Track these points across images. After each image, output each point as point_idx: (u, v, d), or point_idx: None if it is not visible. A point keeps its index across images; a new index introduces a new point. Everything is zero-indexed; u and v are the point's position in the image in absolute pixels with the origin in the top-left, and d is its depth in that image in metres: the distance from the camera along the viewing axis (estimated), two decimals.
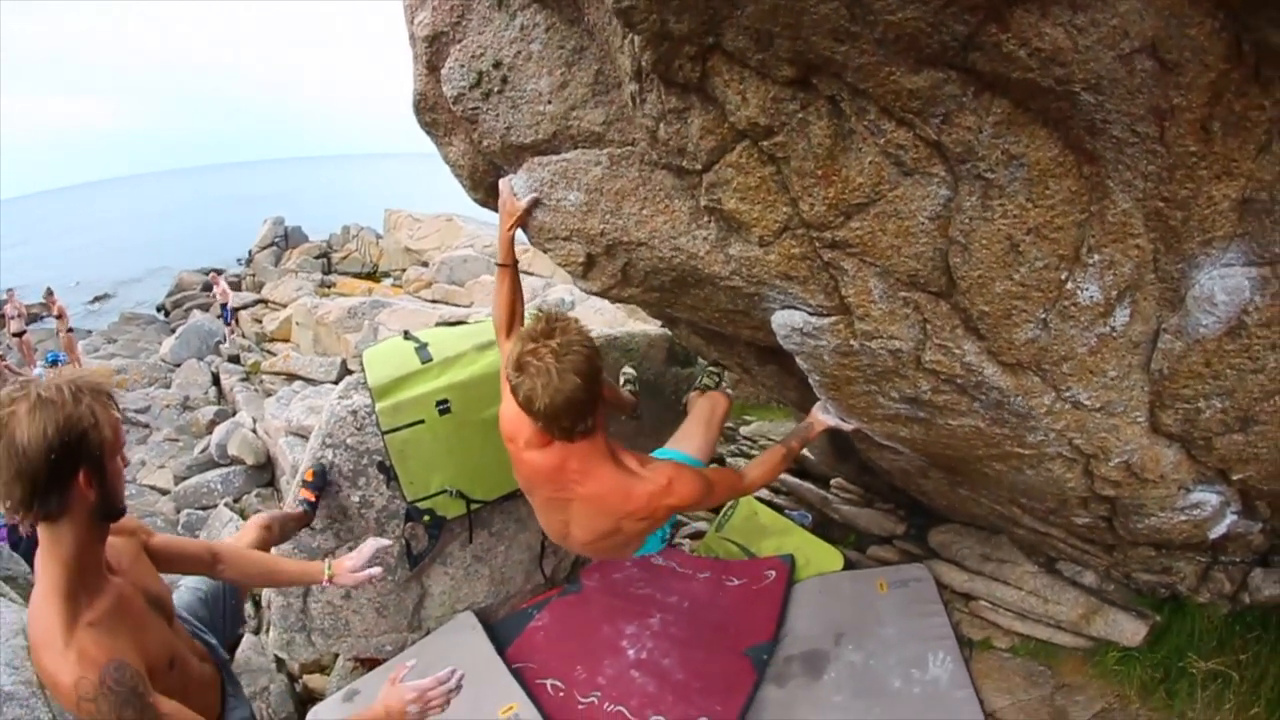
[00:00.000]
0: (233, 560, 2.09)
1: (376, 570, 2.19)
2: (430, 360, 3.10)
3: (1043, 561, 2.83)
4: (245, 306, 16.40)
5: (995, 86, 1.22)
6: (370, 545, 2.24)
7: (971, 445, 1.93)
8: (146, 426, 10.37)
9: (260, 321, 15.14)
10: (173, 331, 14.41)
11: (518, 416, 2.02)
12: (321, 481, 3.18)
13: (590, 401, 1.84)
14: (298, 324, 12.94)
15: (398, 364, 3.11)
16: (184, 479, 8.21)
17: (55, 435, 1.32)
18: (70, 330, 12.89)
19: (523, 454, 2.11)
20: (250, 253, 23.25)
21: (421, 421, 3.04)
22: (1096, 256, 1.40)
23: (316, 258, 20.77)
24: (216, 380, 12.10)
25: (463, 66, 2.11)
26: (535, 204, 2.19)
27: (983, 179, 1.33)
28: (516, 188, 2.21)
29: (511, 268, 2.35)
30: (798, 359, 1.98)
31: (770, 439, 4.96)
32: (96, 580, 1.48)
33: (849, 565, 3.32)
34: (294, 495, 3.24)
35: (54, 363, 12.92)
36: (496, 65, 2.05)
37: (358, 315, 11.55)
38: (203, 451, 8.77)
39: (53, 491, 1.36)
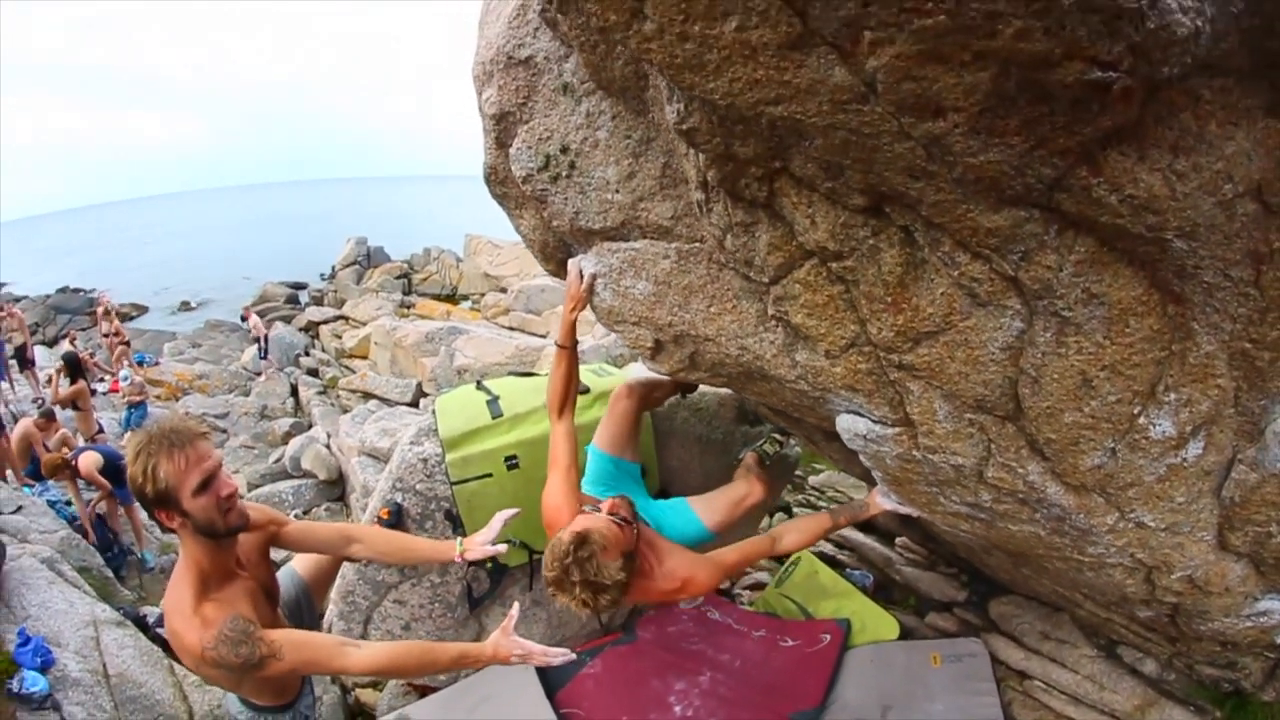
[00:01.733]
0: (368, 538, 2.32)
1: (503, 547, 2.36)
2: (500, 415, 3.21)
3: (1103, 644, 2.73)
4: (326, 321, 16.98)
5: (1080, 225, 1.16)
6: (499, 518, 2.40)
7: (1032, 546, 1.90)
8: (224, 432, 10.74)
9: (340, 337, 15.65)
10: (255, 341, 15.01)
11: (558, 509, 2.24)
12: (395, 520, 3.32)
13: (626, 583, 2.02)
14: (376, 344, 13.29)
15: (469, 416, 3.23)
16: (257, 486, 8.51)
17: (133, 486, 1.74)
18: (126, 343, 13.42)
19: None
20: (333, 269, 24.20)
21: (489, 475, 3.16)
22: (1173, 395, 1.33)
23: (397, 278, 21.43)
24: (295, 392, 12.51)
25: (530, 148, 2.10)
26: (594, 281, 2.20)
27: (1059, 316, 1.26)
28: (585, 269, 2.21)
29: (571, 350, 2.42)
30: (860, 456, 1.96)
31: (839, 490, 4.87)
32: (223, 574, 1.86)
33: (905, 633, 3.25)
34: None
35: (140, 363, 13.51)
36: (564, 150, 2.04)
37: (435, 340, 11.77)
38: (276, 461, 9.04)
39: (153, 517, 1.79)
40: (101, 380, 12.31)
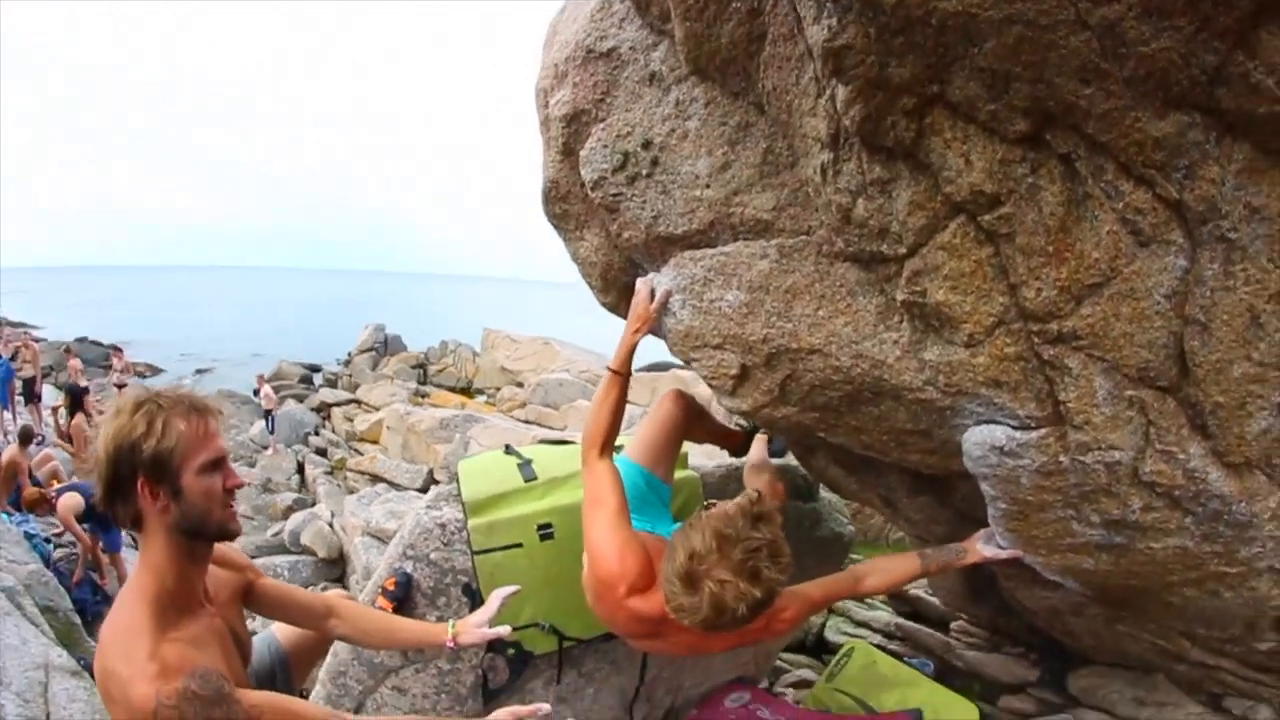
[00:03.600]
0: (349, 615, 1.98)
1: (505, 629, 2.04)
2: (534, 479, 2.79)
3: (1205, 699, 2.49)
4: (338, 404, 16.98)
5: (1237, 129, 1.16)
6: (497, 596, 2.07)
7: (1166, 571, 1.73)
8: None
9: (351, 420, 15.58)
10: (266, 414, 14.88)
11: (618, 553, 1.84)
12: (403, 593, 2.88)
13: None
14: (389, 428, 13.19)
15: (497, 479, 2.81)
16: (253, 558, 8.21)
17: (111, 442, 1.38)
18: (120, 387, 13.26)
19: (624, 602, 1.89)
20: (349, 354, 24.37)
21: (519, 545, 2.71)
22: None
23: (413, 367, 21.47)
24: (301, 470, 12.39)
25: (605, 147, 1.95)
26: (667, 300, 1.95)
27: (1225, 240, 1.24)
28: (659, 286, 1.98)
29: (625, 378, 2.10)
30: (985, 485, 1.72)
31: None
32: (189, 601, 1.48)
33: (984, 718, 2.91)
34: (369, 601, 2.94)
35: None
36: (646, 145, 1.88)
37: (449, 427, 11.66)
38: (275, 535, 8.87)
39: (118, 495, 1.41)
40: None
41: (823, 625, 3.92)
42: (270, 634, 2.19)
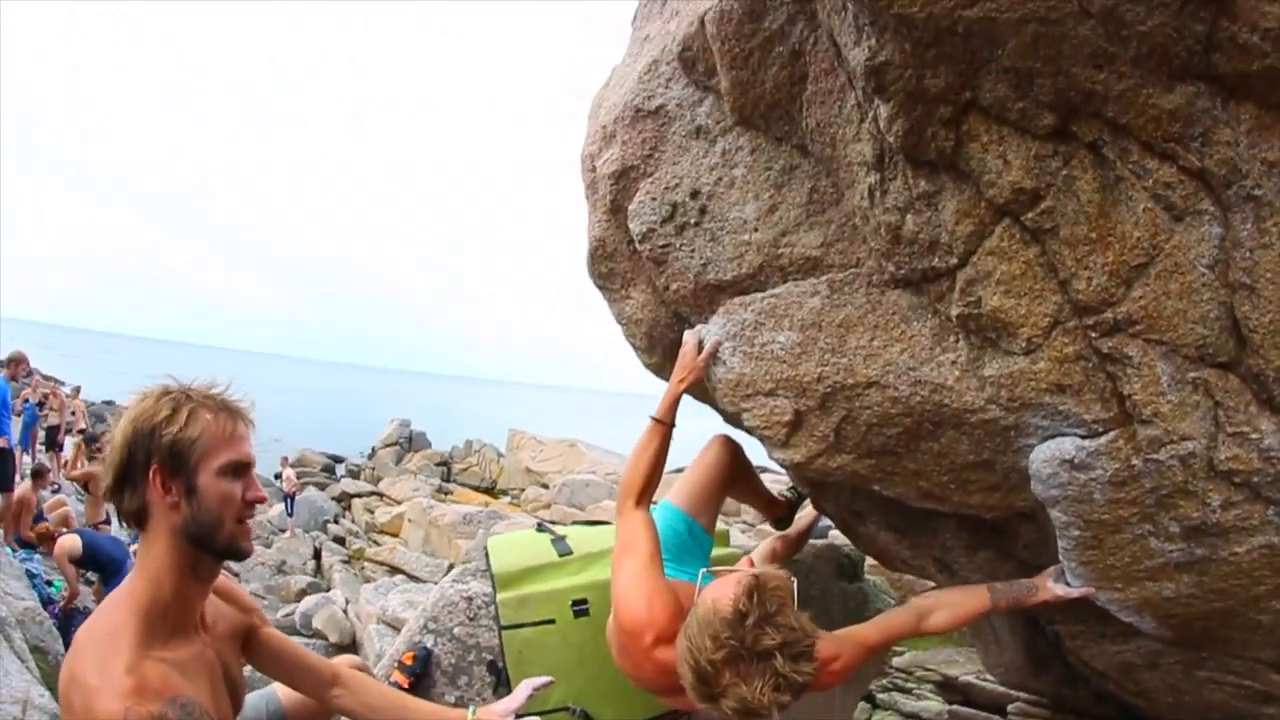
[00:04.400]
0: (357, 687, 1.76)
1: (541, 680, 1.89)
2: (570, 554, 2.66)
3: None
4: (360, 495, 16.88)
5: (1238, 91, 1.23)
6: (526, 686, 1.89)
7: (1254, 581, 1.66)
8: (237, 575, 10.37)
9: (372, 512, 15.44)
10: (286, 497, 14.72)
11: (647, 600, 1.74)
12: (421, 668, 2.72)
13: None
14: (410, 521, 13.04)
15: (531, 553, 2.70)
16: None
17: (129, 425, 1.29)
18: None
19: (652, 653, 1.77)
20: (373, 449, 24.41)
21: (552, 621, 2.55)
22: None
23: (437, 464, 21.39)
24: (318, 555, 12.23)
25: (654, 199, 1.99)
26: (717, 349, 1.93)
27: (1252, 198, 1.28)
28: (709, 337, 1.97)
29: (668, 428, 2.05)
30: (1056, 511, 1.66)
31: (926, 668, 4.18)
32: (184, 621, 1.33)
33: None
34: (383, 677, 2.78)
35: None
36: (694, 195, 1.92)
37: (473, 523, 11.51)
38: (286, 616, 8.63)
39: (128, 484, 1.29)
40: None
41: None
42: (272, 691, 2.00)
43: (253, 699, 1.88)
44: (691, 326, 2.10)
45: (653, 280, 2.13)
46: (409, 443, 23.74)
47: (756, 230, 1.82)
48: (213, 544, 1.32)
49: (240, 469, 1.34)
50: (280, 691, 1.97)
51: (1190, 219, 1.33)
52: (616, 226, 2.20)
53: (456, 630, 2.81)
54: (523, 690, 1.86)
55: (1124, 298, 1.40)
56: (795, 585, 1.57)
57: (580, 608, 2.53)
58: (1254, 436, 1.45)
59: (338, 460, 23.64)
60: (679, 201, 1.94)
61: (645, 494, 1.99)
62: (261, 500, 1.38)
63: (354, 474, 21.06)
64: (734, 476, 2.46)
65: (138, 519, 1.31)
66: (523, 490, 18.17)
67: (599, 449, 18.77)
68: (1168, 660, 2.21)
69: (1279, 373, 1.38)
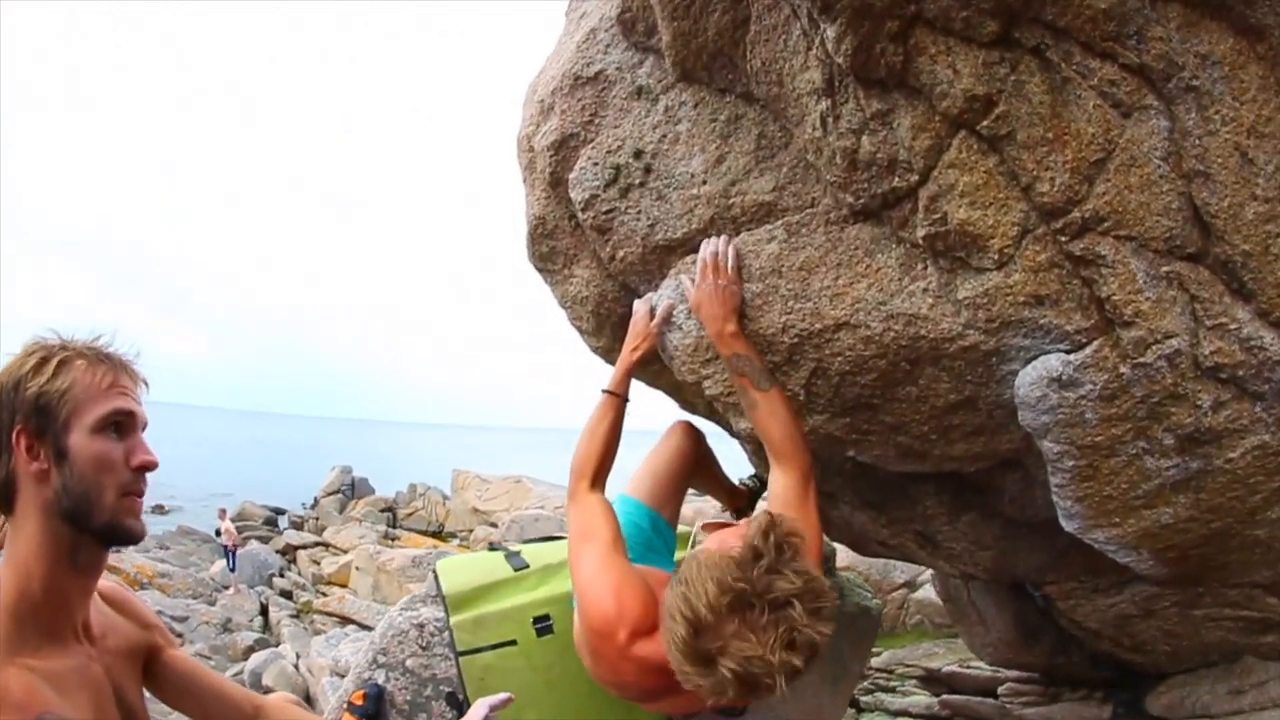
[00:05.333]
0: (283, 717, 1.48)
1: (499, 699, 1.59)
2: (525, 567, 2.45)
3: None
4: (304, 546, 16.33)
5: None
6: (482, 706, 1.61)
7: (1250, 490, 1.68)
8: (181, 636, 9.83)
9: (318, 563, 14.91)
10: (227, 552, 14.06)
11: (619, 596, 1.54)
12: (373, 708, 2.45)
13: None
14: (358, 569, 12.64)
15: (484, 570, 2.46)
16: None
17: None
18: None
19: (629, 651, 1.55)
20: (315, 498, 23.62)
21: (513, 643, 2.31)
22: None
23: (382, 510, 20.83)
24: (264, 611, 11.71)
25: (595, 165, 1.92)
26: (670, 314, 1.83)
27: (1191, 89, 1.35)
28: (660, 302, 1.88)
29: (621, 401, 1.90)
30: (1048, 441, 1.64)
31: (907, 664, 4.14)
32: (59, 625, 1.08)
33: None
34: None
35: None
36: (638, 155, 1.85)
37: (423, 565, 11.19)
38: (235, 675, 8.08)
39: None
40: None
41: None
42: None
43: None
44: (640, 297, 2.00)
45: (597, 252, 2.05)
46: (352, 490, 23.03)
47: (705, 183, 1.76)
48: (90, 521, 1.08)
49: (122, 425, 1.11)
50: None
51: (1138, 114, 1.38)
52: (557, 201, 2.11)
53: (409, 662, 2.56)
54: (478, 711, 1.61)
55: (1088, 194, 1.41)
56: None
57: (543, 625, 2.28)
58: (1233, 327, 1.48)
59: (279, 512, 22.72)
60: (622, 164, 1.87)
61: (600, 474, 1.82)
62: (151, 466, 1.13)
63: (297, 525, 20.27)
64: (696, 465, 2.33)
65: (4, 495, 1.08)
66: (471, 531, 17.81)
67: (545, 483, 18.50)
68: (1163, 604, 2.22)
69: (1245, 258, 1.42)
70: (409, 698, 2.51)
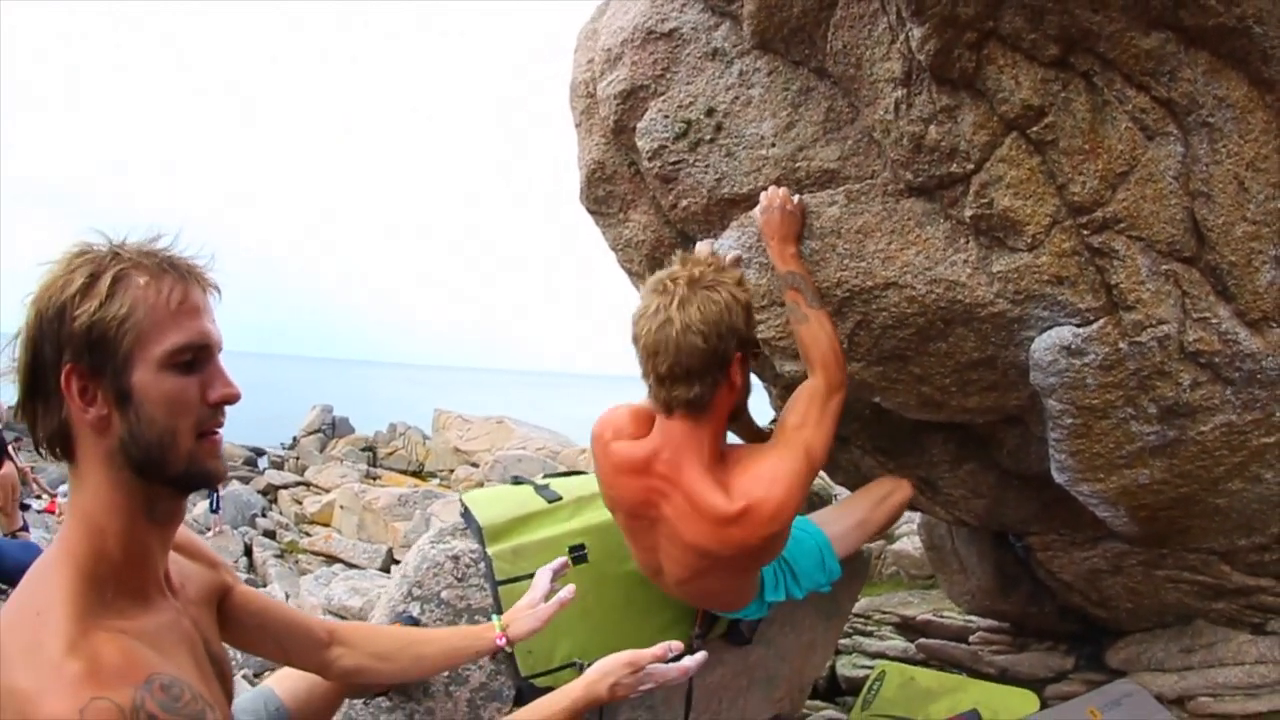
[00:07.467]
0: (360, 639, 1.45)
1: (567, 592, 1.62)
2: (559, 499, 2.47)
3: (1249, 630, 2.61)
4: (286, 486, 16.19)
5: (1198, 40, 1.50)
6: (547, 570, 1.71)
7: (1215, 461, 1.90)
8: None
9: (300, 503, 14.82)
10: (208, 495, 13.85)
11: (635, 415, 1.87)
12: None
13: (714, 358, 1.58)
14: (342, 508, 12.55)
15: (517, 503, 2.49)
16: None
17: (33, 307, 0.89)
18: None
19: (610, 448, 1.85)
20: (295, 437, 23.39)
21: None
22: None
23: (362, 450, 20.57)
24: (249, 552, 11.58)
25: (666, 117, 2.03)
26: (738, 263, 1.96)
27: (1206, 125, 1.56)
28: (723, 250, 2.01)
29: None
30: (1052, 401, 1.86)
31: (884, 611, 4.33)
32: (143, 580, 0.95)
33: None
34: None
35: None
36: (709, 113, 1.98)
37: (409, 504, 11.16)
38: None
39: (39, 396, 0.90)
40: (39, 498, 11.20)
41: (833, 666, 3.75)
42: (267, 687, 1.66)
43: (245, 700, 1.58)
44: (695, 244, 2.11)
45: (658, 199, 2.15)
46: (332, 429, 22.79)
47: (774, 145, 1.90)
48: (166, 471, 0.93)
49: (197, 357, 0.94)
50: (279, 688, 1.65)
51: (1160, 139, 1.59)
52: (618, 149, 2.23)
53: (444, 594, 2.47)
54: (543, 576, 1.70)
55: (1111, 199, 1.62)
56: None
57: (578, 554, 2.33)
58: (1214, 321, 1.71)
59: (259, 452, 22.50)
60: (694, 119, 1.98)
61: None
62: (234, 398, 0.99)
63: (278, 465, 20.14)
64: (889, 524, 2.38)
65: (61, 445, 0.93)
66: (452, 471, 17.49)
67: (528, 425, 18.30)
68: (1130, 562, 2.44)
69: (1231, 266, 1.66)
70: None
